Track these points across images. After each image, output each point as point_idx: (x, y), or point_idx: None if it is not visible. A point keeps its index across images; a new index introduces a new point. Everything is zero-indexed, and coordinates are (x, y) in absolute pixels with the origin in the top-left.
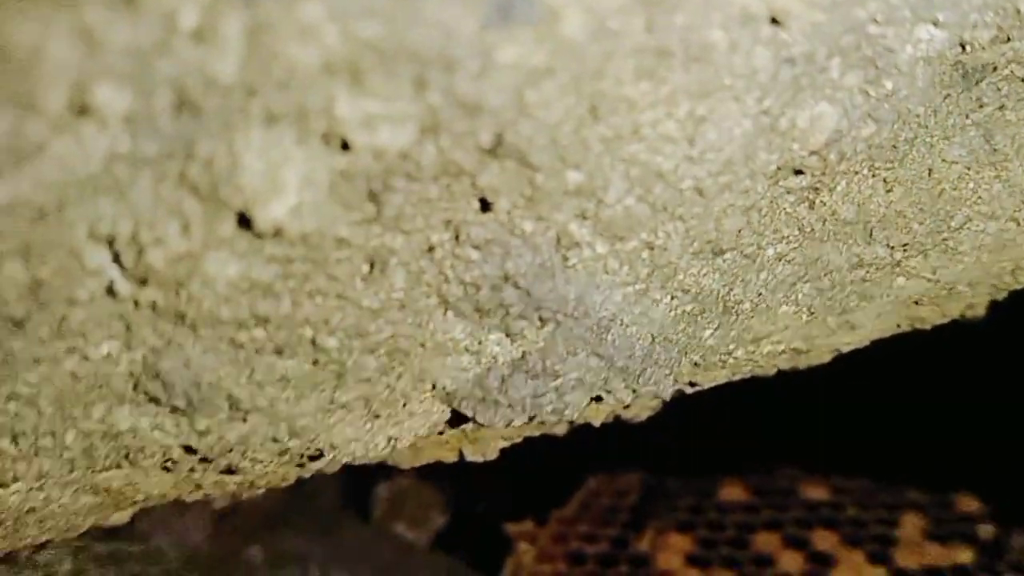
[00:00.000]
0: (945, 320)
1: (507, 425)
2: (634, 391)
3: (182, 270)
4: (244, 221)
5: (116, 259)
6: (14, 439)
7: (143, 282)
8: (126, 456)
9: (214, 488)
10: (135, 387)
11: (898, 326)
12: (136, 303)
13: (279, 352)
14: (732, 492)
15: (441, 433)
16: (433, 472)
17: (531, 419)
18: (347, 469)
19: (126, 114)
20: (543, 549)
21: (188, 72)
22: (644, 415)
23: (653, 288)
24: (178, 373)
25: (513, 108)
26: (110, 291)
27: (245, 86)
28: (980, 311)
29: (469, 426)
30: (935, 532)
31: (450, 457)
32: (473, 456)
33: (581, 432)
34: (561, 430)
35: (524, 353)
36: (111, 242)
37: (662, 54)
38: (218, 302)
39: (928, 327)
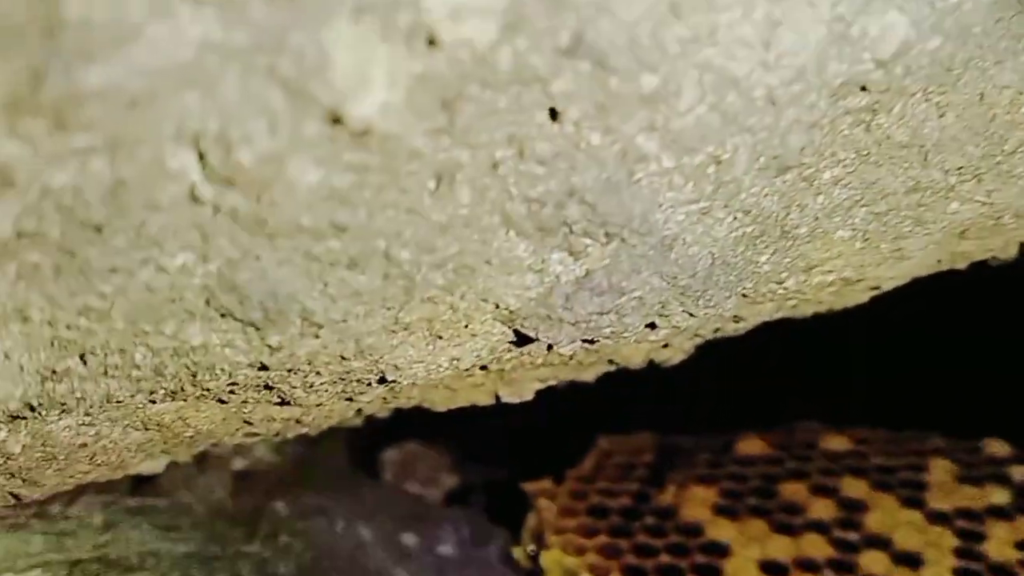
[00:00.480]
0: (986, 256)
1: (571, 343)
2: (691, 314)
3: (267, 172)
4: (333, 119)
5: (201, 159)
6: (83, 357)
7: (227, 183)
8: (193, 376)
9: (261, 425)
10: (208, 301)
11: (939, 261)
12: (216, 209)
13: (353, 265)
14: (751, 447)
15: (483, 368)
16: (439, 436)
17: (591, 341)
18: (354, 436)
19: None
20: (564, 505)
21: None
22: (678, 358)
23: (716, 207)
24: (254, 285)
25: (594, 3)
26: (192, 195)
27: None
28: (1013, 250)
29: (507, 365)
30: (966, 475)
31: (485, 400)
32: (509, 397)
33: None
34: (591, 375)
35: (588, 271)
36: (197, 141)
37: None
38: (299, 209)
39: (964, 265)
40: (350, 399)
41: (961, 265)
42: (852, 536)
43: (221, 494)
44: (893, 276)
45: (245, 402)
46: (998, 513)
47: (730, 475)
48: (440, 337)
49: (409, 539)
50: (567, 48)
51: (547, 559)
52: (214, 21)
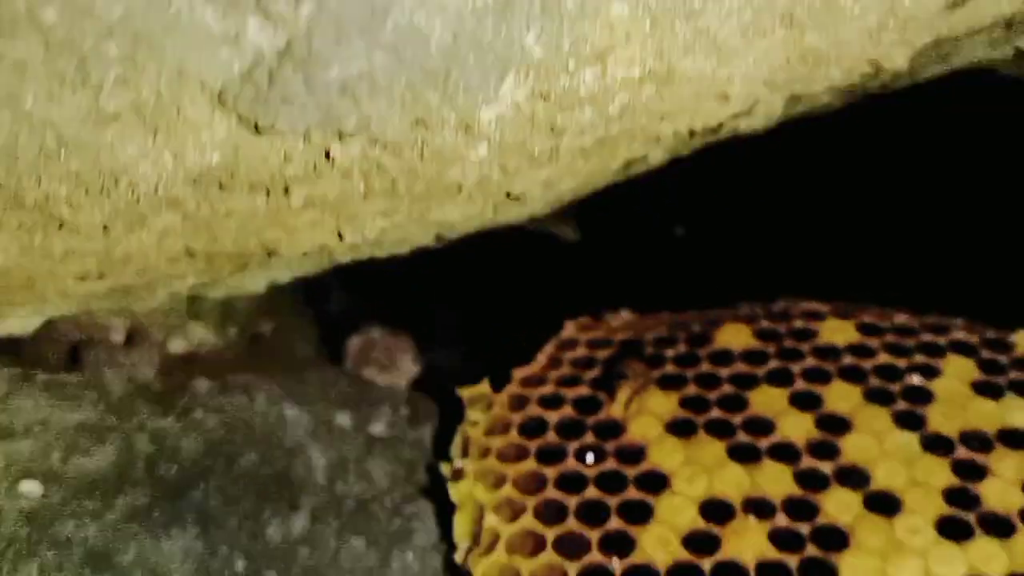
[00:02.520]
0: (846, 71)
1: (302, 131)
2: (457, 111)
3: None
4: None
5: None
6: None
7: None
8: None
9: (76, 263)
10: None
11: (789, 63)
12: None
13: (4, 32)
14: (732, 336)
15: (286, 190)
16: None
17: (338, 133)
18: (327, 329)
19: None
20: (496, 416)
21: None
22: (536, 192)
23: None
24: None
25: None
26: None
27: None
28: (900, 60)
29: (316, 178)
30: (985, 382)
31: (330, 240)
32: (352, 237)
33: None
34: (453, 214)
35: (288, 40)
36: None
37: None
38: None
39: (830, 83)
40: (140, 226)
41: (833, 75)
42: (824, 468)
43: (147, 372)
44: (729, 74)
45: (21, 227)
46: (1011, 440)
47: (699, 376)
48: (156, 129)
49: (342, 419)
50: None
51: (459, 491)
52: None
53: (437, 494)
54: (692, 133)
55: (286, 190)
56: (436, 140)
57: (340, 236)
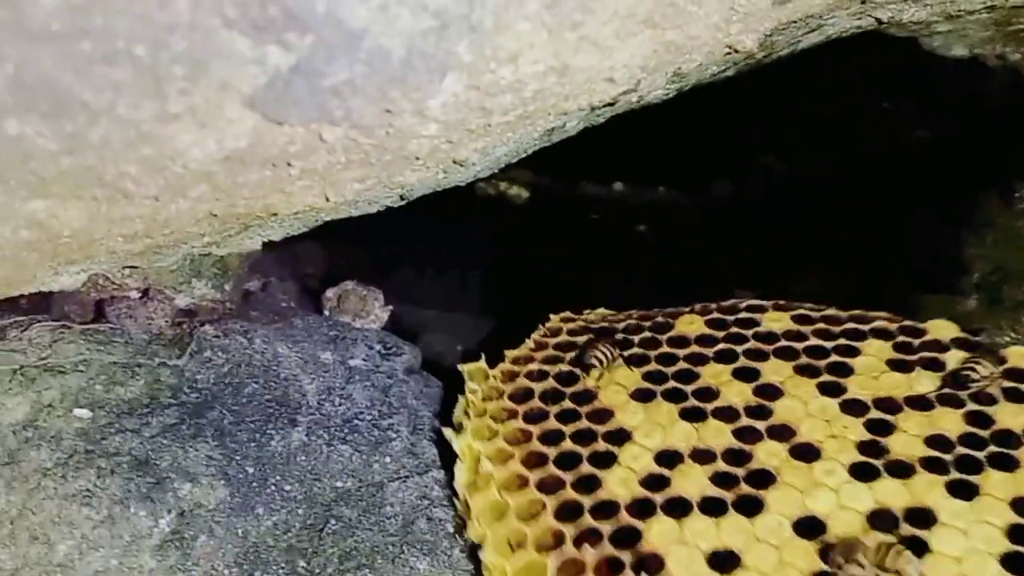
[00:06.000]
0: (707, 56)
1: (305, 123)
2: (412, 101)
3: None
4: None
5: None
6: None
7: None
8: (29, 167)
9: (126, 224)
10: (13, 99)
11: (657, 54)
12: None
13: (106, 61)
14: (688, 325)
15: (289, 165)
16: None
17: (336, 127)
18: (306, 287)
19: None
20: (492, 387)
21: None
22: (474, 158)
23: (392, 4)
24: (39, 83)
25: None
26: None
27: None
28: (749, 43)
29: (308, 155)
30: (898, 360)
31: (319, 202)
32: (335, 197)
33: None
34: (412, 179)
35: (298, 60)
36: None
37: None
38: (48, 19)
39: (695, 65)
40: (182, 196)
41: (696, 59)
42: (758, 425)
43: (161, 323)
44: (610, 66)
45: (93, 197)
46: (917, 404)
47: (660, 356)
48: (204, 125)
49: (326, 355)
50: None
51: (460, 443)
52: None
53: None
54: (592, 108)
55: (288, 164)
56: (398, 122)
57: (326, 198)
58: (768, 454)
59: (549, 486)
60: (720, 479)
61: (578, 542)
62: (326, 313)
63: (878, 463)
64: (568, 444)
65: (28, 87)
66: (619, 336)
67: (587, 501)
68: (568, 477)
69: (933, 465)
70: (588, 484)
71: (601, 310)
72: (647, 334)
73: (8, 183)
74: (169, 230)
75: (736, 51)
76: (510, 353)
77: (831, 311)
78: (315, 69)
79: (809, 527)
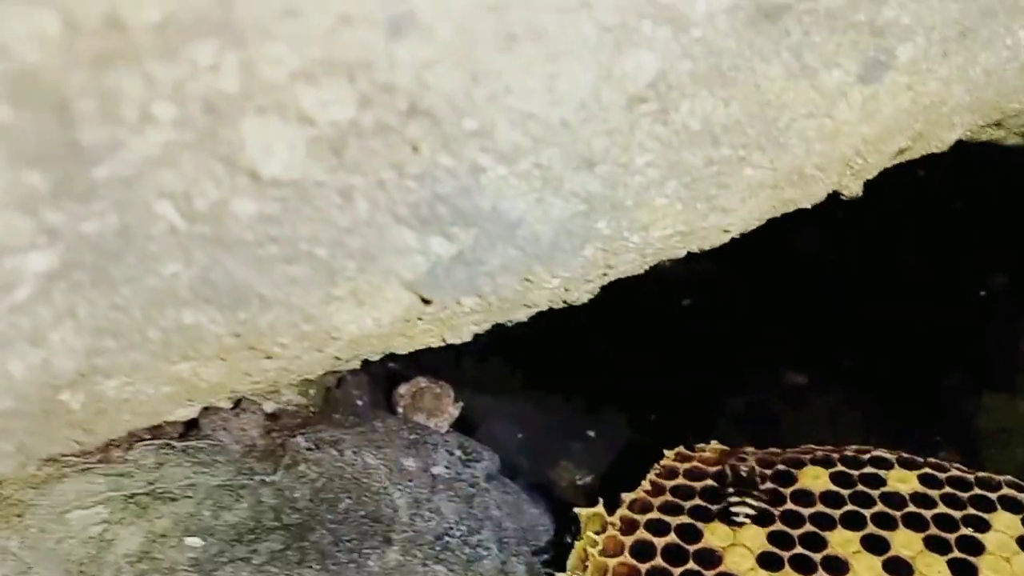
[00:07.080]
0: (814, 200)
1: (458, 302)
2: (551, 273)
3: (218, 210)
4: (253, 175)
5: (176, 207)
6: (114, 337)
7: (193, 220)
8: (192, 344)
9: (259, 375)
10: (193, 293)
11: (773, 208)
12: (190, 235)
13: (288, 261)
14: (812, 479)
15: (419, 319)
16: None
17: (479, 298)
18: (375, 378)
19: (172, 120)
20: (611, 539)
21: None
22: (585, 297)
23: (547, 195)
24: (222, 281)
25: (417, 84)
26: (172, 228)
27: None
28: (855, 188)
29: (441, 312)
30: None
31: (435, 342)
32: (451, 339)
33: None
34: (523, 315)
35: (460, 250)
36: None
37: (511, 37)
38: (243, 230)
39: (800, 207)
40: (319, 351)
41: (803, 204)
42: None
43: (253, 433)
44: (729, 223)
45: (239, 359)
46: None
47: (785, 515)
48: (363, 304)
49: (409, 462)
50: (406, 111)
51: None
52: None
53: None
54: (700, 250)
55: (419, 319)
56: (534, 291)
57: (443, 339)
58: None
59: None
60: None
61: None
62: (399, 411)
63: None
64: None
65: (211, 284)
66: (744, 484)
67: None
68: None
69: None
70: None
71: (715, 444)
72: (770, 484)
73: (168, 356)
74: (295, 375)
75: (839, 192)
76: (627, 497)
77: (955, 471)
78: (476, 258)
79: None
